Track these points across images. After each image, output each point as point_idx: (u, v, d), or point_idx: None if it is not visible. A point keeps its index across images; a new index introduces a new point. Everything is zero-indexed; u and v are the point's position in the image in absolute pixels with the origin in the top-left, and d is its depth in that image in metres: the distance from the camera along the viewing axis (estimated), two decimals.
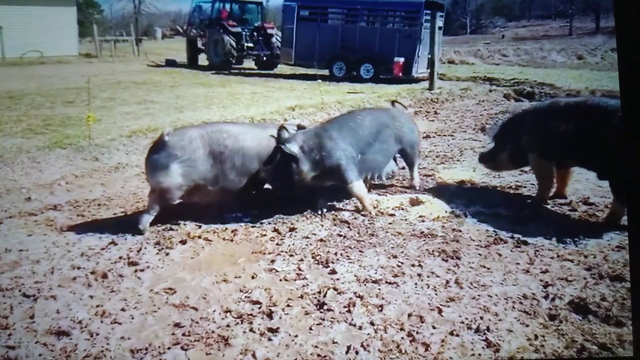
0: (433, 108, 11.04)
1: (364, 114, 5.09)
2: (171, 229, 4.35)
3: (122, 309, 3.14)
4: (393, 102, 5.86)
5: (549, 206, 4.86)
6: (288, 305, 3.18)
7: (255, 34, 20.27)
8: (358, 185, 4.72)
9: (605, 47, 27.33)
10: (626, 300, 3.13)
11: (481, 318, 3.01)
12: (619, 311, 3.02)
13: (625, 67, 2.58)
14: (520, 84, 14.35)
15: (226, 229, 4.39)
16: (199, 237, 4.23)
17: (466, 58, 25.47)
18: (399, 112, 5.45)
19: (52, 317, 3.06)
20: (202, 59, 20.80)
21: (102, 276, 3.53)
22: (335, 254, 3.88)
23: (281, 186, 4.64)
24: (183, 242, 4.11)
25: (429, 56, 14.36)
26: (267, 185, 4.82)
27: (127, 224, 4.41)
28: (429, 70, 14.34)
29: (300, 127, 4.85)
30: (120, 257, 3.83)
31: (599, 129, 4.26)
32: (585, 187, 5.29)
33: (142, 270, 3.64)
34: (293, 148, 4.45)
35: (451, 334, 2.87)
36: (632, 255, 2.60)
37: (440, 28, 16.16)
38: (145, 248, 4.00)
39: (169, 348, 2.78)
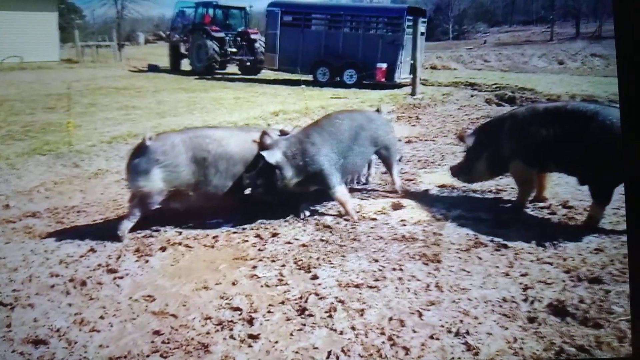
0: (415, 113, 11.09)
1: (342, 117, 5.07)
2: (151, 236, 4.32)
3: (101, 317, 3.11)
4: (378, 110, 5.84)
5: (528, 210, 4.90)
6: (269, 312, 3.17)
7: (238, 39, 20.28)
8: (341, 190, 4.73)
9: (586, 52, 27.70)
10: (604, 303, 3.17)
11: (461, 321, 3.02)
12: (596, 313, 3.05)
13: (625, 67, 2.59)
14: (502, 88, 14.46)
15: (207, 235, 4.37)
16: (180, 243, 4.20)
17: (448, 63, 25.61)
18: (375, 114, 5.46)
19: (30, 326, 3.02)
20: (185, 65, 20.75)
21: (80, 284, 3.49)
22: (318, 259, 3.88)
23: (264, 193, 4.61)
24: (163, 249, 4.08)
25: (412, 62, 14.43)
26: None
27: (106, 231, 4.36)
28: (411, 76, 14.40)
29: (283, 133, 4.85)
30: (99, 265, 3.79)
31: (579, 133, 4.29)
32: (565, 191, 5.34)
33: (121, 278, 3.61)
34: (276, 155, 4.44)
35: (431, 337, 2.88)
36: (631, 255, 2.61)
37: (422, 34, 16.28)
38: (125, 255, 3.96)
39: (148, 356, 2.76)
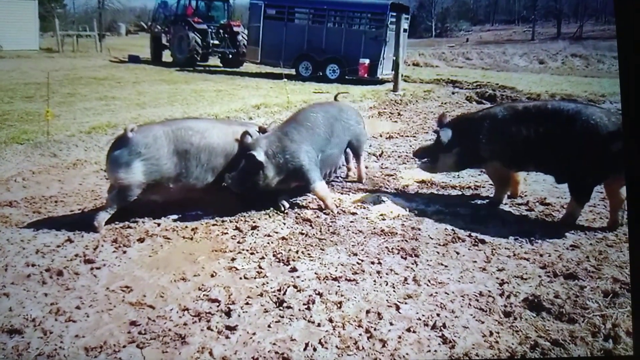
0: (396, 109, 11.13)
1: (316, 110, 5.08)
2: (129, 227, 4.29)
3: (77, 307, 3.08)
4: (336, 97, 6.00)
5: (506, 206, 4.96)
6: (247, 304, 3.17)
7: (221, 31, 20.13)
8: (321, 185, 4.74)
9: (566, 52, 28.06)
10: (579, 298, 3.21)
11: (438, 315, 3.05)
12: (571, 308, 3.09)
13: (626, 67, 2.61)
14: (483, 86, 14.61)
15: (186, 227, 4.35)
16: (158, 235, 4.17)
17: (430, 61, 25.80)
18: (345, 105, 5.57)
19: (5, 315, 2.98)
20: (167, 56, 20.56)
21: (57, 274, 3.45)
22: (297, 252, 3.88)
23: (246, 191, 4.59)
24: (141, 240, 4.05)
25: (394, 58, 14.48)
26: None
27: (84, 222, 4.31)
28: (393, 72, 14.47)
29: (261, 130, 4.84)
30: (77, 255, 3.75)
31: (562, 133, 4.29)
32: (543, 188, 5.41)
33: (98, 268, 3.58)
34: (259, 155, 4.43)
35: (408, 330, 2.91)
36: (632, 255, 2.64)
37: (405, 30, 16.33)
38: (102, 246, 3.92)
39: (124, 346, 2.74)
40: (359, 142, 5.39)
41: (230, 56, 20.20)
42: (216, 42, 19.96)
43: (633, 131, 2.59)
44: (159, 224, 4.38)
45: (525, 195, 5.16)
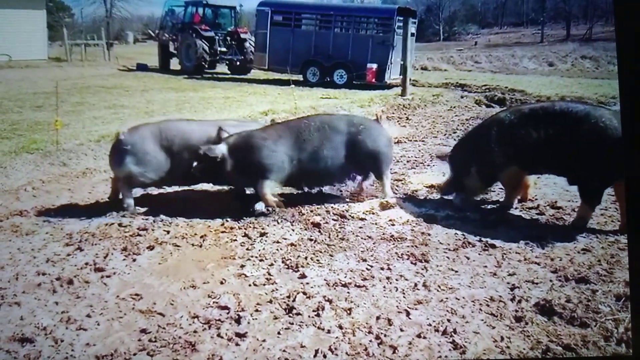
0: (405, 114, 11.12)
1: (314, 119, 5.04)
2: (139, 235, 4.30)
3: (88, 315, 3.09)
4: (377, 117, 5.50)
5: (516, 210, 4.93)
6: (257, 310, 3.17)
7: (228, 38, 20.25)
8: (265, 186, 4.80)
9: (576, 54, 27.92)
10: (591, 302, 3.18)
11: (448, 320, 3.03)
12: (583, 313, 3.06)
13: (626, 67, 2.59)
14: (492, 90, 14.56)
15: (195, 234, 4.36)
16: (167, 242, 4.18)
17: (439, 64, 25.77)
18: (367, 122, 5.18)
19: (16, 324, 2.99)
20: (175, 64, 20.68)
21: (67, 282, 3.47)
22: (306, 258, 3.88)
23: (212, 183, 5.16)
24: (151, 248, 4.06)
25: (402, 62, 14.47)
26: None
27: (93, 230, 4.35)
28: (401, 77, 14.45)
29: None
30: (87, 263, 3.77)
31: (570, 134, 4.27)
32: (553, 192, 5.37)
33: (108, 277, 3.59)
34: (219, 149, 4.69)
35: (418, 336, 2.89)
36: (631, 255, 2.61)
37: (413, 34, 16.31)
38: (112, 254, 3.94)
39: (134, 354, 2.74)
40: (376, 163, 5.08)
41: (238, 63, 20.29)
42: (223, 49, 20.08)
43: (633, 131, 2.58)
44: (168, 232, 4.39)
45: (536, 199, 5.13)
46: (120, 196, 5.00)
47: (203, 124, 5.33)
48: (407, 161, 6.85)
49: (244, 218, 4.71)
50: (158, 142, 4.90)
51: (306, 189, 5.29)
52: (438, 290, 3.39)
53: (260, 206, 4.86)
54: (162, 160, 4.90)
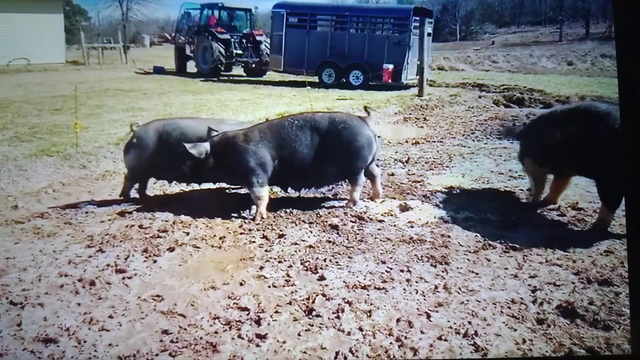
0: (422, 114, 11.08)
1: (297, 118, 4.96)
2: (159, 237, 4.33)
3: (110, 316, 3.11)
4: (365, 108, 5.35)
5: (537, 211, 4.88)
6: (276, 312, 3.17)
7: (244, 41, 20.31)
8: (258, 191, 4.80)
9: (595, 53, 27.61)
10: (614, 304, 3.15)
11: (469, 323, 3.01)
12: (606, 315, 3.03)
13: (626, 67, 2.57)
14: (510, 90, 14.42)
15: (214, 235, 4.38)
16: (187, 244, 4.21)
17: (456, 64, 25.64)
18: (344, 117, 4.97)
19: (40, 325, 3.03)
20: (191, 66, 20.80)
21: (89, 284, 3.50)
22: (324, 260, 3.87)
23: (192, 179, 5.24)
24: (171, 250, 4.09)
25: (418, 63, 14.42)
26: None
27: (114, 232, 4.39)
28: (418, 77, 14.40)
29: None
30: (108, 265, 3.80)
31: (588, 134, 4.26)
32: (575, 193, 5.31)
33: (129, 278, 3.62)
34: (200, 147, 4.78)
35: (439, 338, 2.87)
36: (630, 255, 2.59)
37: (429, 34, 16.26)
38: (133, 255, 3.97)
39: (156, 355, 2.76)
40: (347, 163, 4.91)
41: (254, 65, 20.34)
42: (239, 51, 20.14)
43: (633, 131, 2.55)
44: (187, 233, 4.41)
45: (558, 204, 5.07)
46: (122, 187, 5.42)
47: (204, 121, 5.46)
48: (426, 162, 6.82)
49: (263, 219, 4.72)
50: (158, 136, 5.18)
51: (294, 191, 5.29)
52: (459, 293, 3.37)
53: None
54: (158, 154, 5.13)
